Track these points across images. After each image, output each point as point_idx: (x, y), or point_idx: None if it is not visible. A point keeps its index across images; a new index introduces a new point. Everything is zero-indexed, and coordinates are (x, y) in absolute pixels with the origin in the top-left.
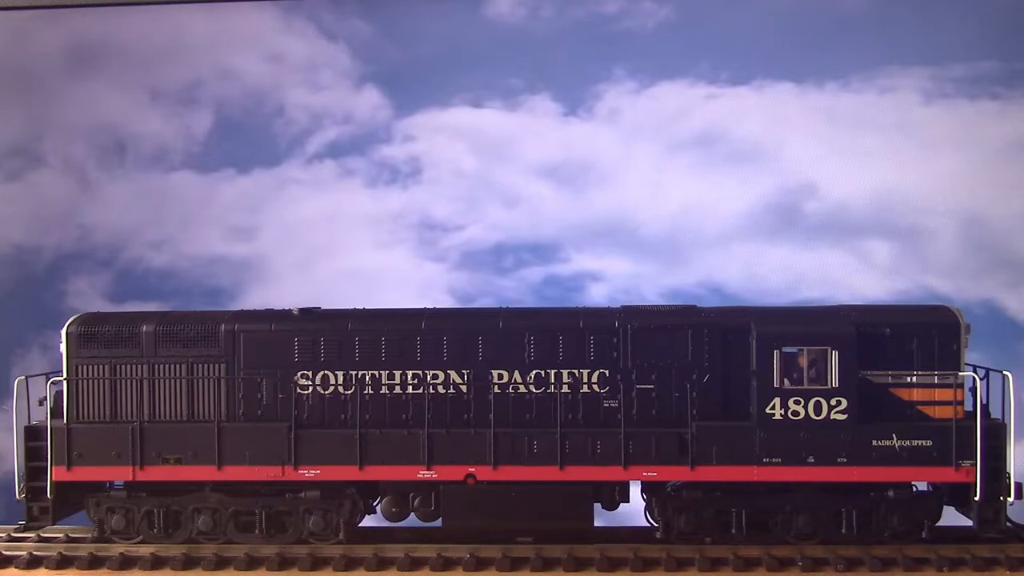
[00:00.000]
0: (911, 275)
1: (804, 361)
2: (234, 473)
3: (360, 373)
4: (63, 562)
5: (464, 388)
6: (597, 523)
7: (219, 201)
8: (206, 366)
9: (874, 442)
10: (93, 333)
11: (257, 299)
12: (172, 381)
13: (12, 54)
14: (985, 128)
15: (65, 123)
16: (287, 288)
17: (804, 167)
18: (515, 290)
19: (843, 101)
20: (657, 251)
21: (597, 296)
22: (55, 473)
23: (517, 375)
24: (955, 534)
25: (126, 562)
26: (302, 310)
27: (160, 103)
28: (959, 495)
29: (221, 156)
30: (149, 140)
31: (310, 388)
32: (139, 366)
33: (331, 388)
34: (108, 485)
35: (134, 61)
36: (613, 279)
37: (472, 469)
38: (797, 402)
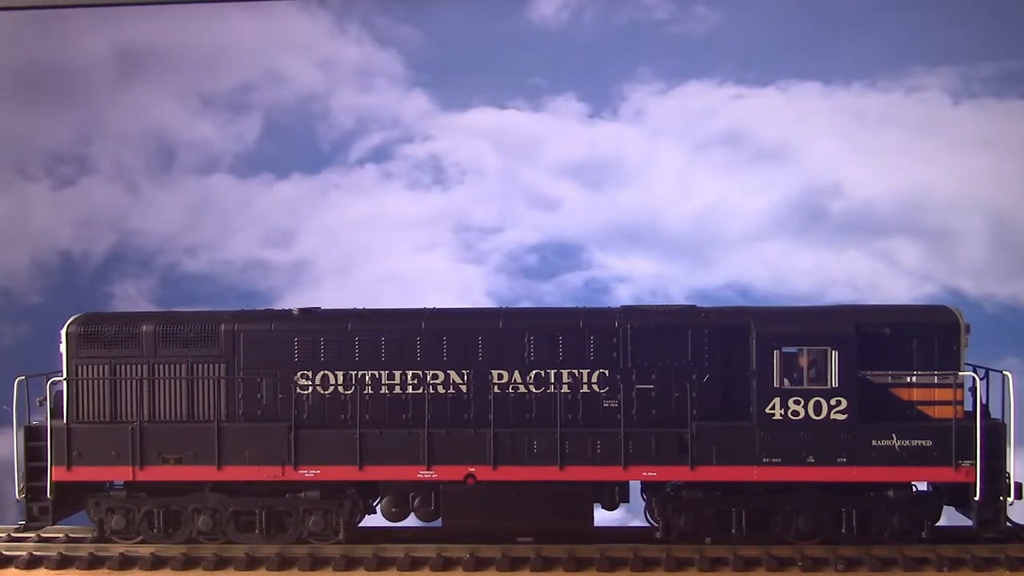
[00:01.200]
0: (938, 276)
1: (804, 361)
2: (234, 473)
3: (360, 373)
4: (63, 562)
5: (464, 388)
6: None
7: (265, 206)
8: (206, 366)
9: (874, 442)
10: (93, 333)
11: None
12: (172, 381)
13: (62, 59)
14: (1014, 127)
15: (114, 128)
16: (330, 293)
17: (831, 167)
18: (555, 294)
19: (870, 101)
20: (691, 252)
21: (629, 299)
22: (55, 473)
23: (517, 375)
24: (955, 534)
25: (126, 562)
26: (302, 310)
27: (209, 108)
28: (959, 495)
29: (269, 161)
30: (197, 145)
31: (310, 388)
32: (139, 366)
33: (331, 388)
34: (108, 485)
35: (183, 66)
36: (650, 281)
37: (472, 469)
38: (797, 402)
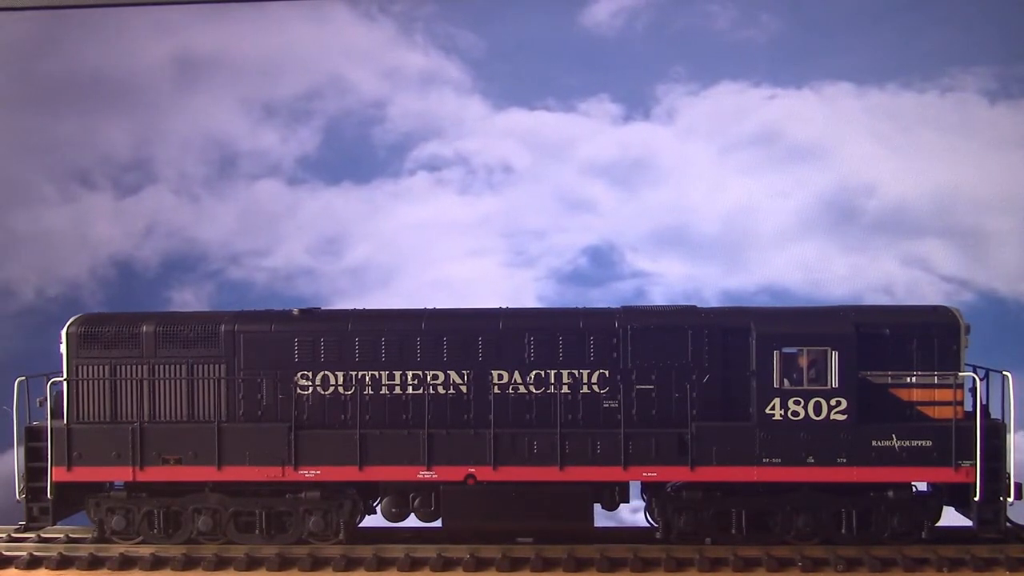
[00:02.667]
0: (973, 279)
1: (804, 361)
2: (234, 473)
3: (360, 373)
4: (63, 562)
5: (464, 388)
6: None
7: (321, 212)
8: (206, 366)
9: (874, 442)
10: (93, 333)
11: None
12: (172, 382)
13: (124, 67)
14: None
15: (175, 136)
16: (385, 299)
17: (864, 167)
18: (603, 301)
19: (904, 101)
20: (739, 256)
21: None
22: (55, 473)
23: (517, 375)
24: (955, 534)
25: (126, 562)
26: (302, 310)
27: (269, 116)
28: (959, 495)
29: (326, 168)
30: (256, 153)
31: (310, 388)
32: (139, 367)
33: (331, 388)
34: (108, 485)
35: (243, 73)
36: (705, 286)
37: (472, 469)
38: (797, 402)
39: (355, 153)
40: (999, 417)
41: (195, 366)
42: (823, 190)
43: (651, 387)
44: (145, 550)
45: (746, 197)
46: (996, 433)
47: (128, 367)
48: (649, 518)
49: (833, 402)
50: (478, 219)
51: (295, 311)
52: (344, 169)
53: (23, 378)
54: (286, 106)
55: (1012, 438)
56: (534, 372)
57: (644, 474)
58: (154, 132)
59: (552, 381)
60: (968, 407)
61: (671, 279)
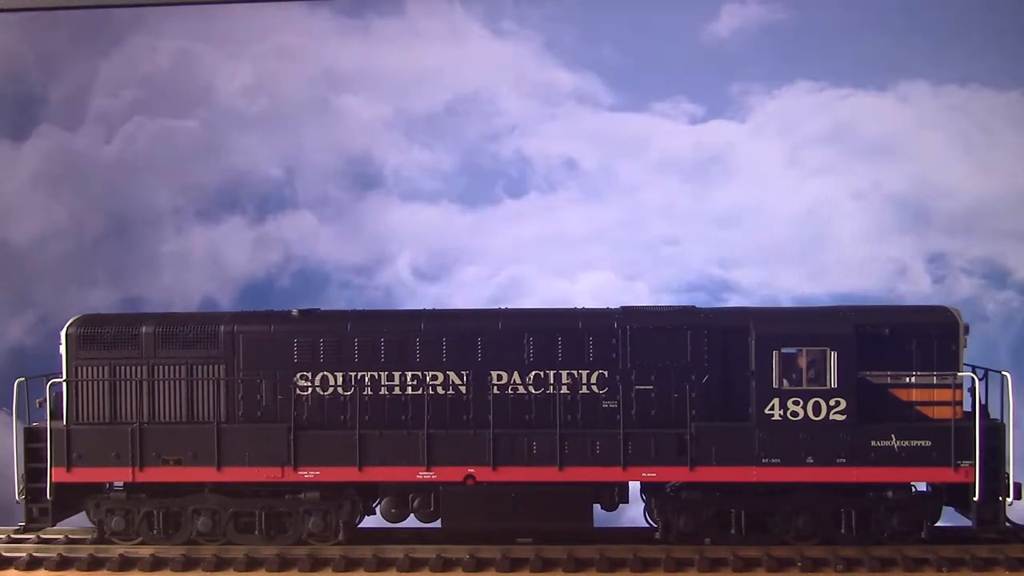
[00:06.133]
0: None
1: (803, 361)
2: (234, 474)
3: (359, 374)
4: (63, 563)
5: (463, 389)
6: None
7: (445, 229)
8: (205, 367)
9: (873, 442)
10: (93, 334)
11: None
12: (172, 382)
13: (266, 89)
14: None
15: (312, 155)
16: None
17: (944, 167)
18: None
19: (985, 100)
20: (835, 266)
21: None
22: (55, 474)
23: (516, 376)
24: (955, 534)
25: (126, 563)
26: (302, 311)
27: (405, 134)
28: (958, 495)
29: (458, 186)
30: (392, 171)
31: (309, 389)
32: (139, 367)
33: (330, 389)
34: (108, 486)
35: (381, 92)
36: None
37: (471, 470)
38: (796, 402)
39: (476, 170)
40: (998, 417)
41: (194, 367)
42: (901, 190)
43: (650, 387)
44: (145, 551)
45: (836, 198)
46: (995, 433)
47: (127, 368)
48: (649, 518)
49: (832, 402)
50: (591, 232)
51: (294, 312)
52: (470, 185)
53: (23, 379)
54: (420, 123)
55: (1011, 438)
56: (533, 372)
57: (643, 474)
58: (294, 149)
59: (551, 381)
60: (968, 407)
61: (797, 294)
